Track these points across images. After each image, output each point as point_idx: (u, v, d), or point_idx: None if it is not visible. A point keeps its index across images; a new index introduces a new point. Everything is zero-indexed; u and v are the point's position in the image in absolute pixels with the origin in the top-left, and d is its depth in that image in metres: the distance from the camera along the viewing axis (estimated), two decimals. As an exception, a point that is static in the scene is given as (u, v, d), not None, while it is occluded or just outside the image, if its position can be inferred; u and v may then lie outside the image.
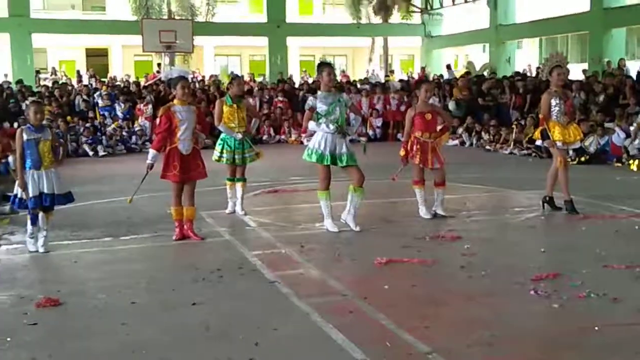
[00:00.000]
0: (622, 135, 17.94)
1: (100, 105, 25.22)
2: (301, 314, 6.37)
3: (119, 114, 24.80)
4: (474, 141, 23.46)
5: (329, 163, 9.55)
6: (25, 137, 8.66)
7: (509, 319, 6.14)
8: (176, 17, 39.87)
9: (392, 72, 39.94)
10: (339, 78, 31.95)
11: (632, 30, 33.13)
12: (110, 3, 47.20)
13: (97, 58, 47.51)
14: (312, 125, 9.70)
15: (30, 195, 8.65)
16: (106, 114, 24.78)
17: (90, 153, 21.93)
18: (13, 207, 9.54)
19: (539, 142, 11.54)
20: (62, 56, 47.04)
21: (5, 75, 32.72)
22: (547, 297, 6.68)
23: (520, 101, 24.88)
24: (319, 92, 9.83)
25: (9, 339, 5.81)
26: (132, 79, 34.46)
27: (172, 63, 32.14)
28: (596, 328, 5.82)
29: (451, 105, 26.07)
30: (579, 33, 34.34)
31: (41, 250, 8.83)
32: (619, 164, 17.20)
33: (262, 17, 38.64)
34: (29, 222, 8.94)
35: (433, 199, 10.71)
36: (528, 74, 30.38)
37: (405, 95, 26.76)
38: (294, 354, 5.44)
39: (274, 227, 10.29)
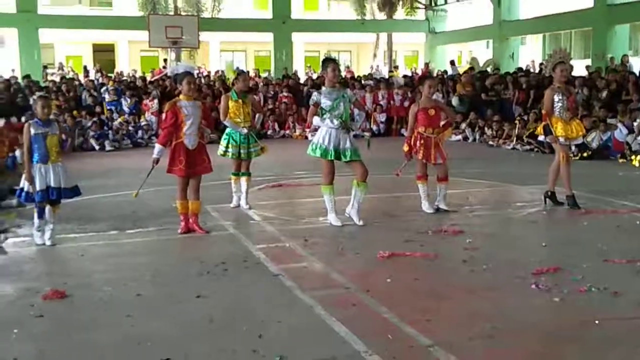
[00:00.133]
0: (625, 131, 17.96)
1: (106, 100, 25.30)
2: (305, 306, 6.42)
3: (125, 108, 24.87)
4: (477, 136, 23.50)
5: (333, 158, 9.61)
6: (32, 131, 8.72)
7: (510, 313, 6.18)
8: (182, 13, 39.88)
9: (396, 67, 39.99)
10: (343, 74, 31.94)
11: (636, 27, 33.07)
12: (117, -1, 47.31)
13: (104, 53, 47.55)
14: (316, 120, 9.76)
15: (38, 188, 8.72)
16: (113, 108, 24.85)
17: (97, 147, 22.03)
18: (20, 201, 9.58)
19: (541, 138, 11.55)
20: (69, 51, 47.06)
21: (13, 71, 32.79)
22: (548, 291, 6.71)
23: (523, 97, 24.90)
24: (323, 88, 9.88)
25: (15, 331, 5.86)
26: (139, 74, 34.49)
27: (178, 59, 32.25)
28: (597, 322, 5.86)
29: (454, 100, 26.07)
30: (582, 29, 34.31)
31: (48, 243, 8.89)
32: (623, 160, 17.22)
33: (267, 13, 38.65)
34: (35, 215, 9.00)
35: (436, 193, 10.76)
36: (531, 70, 30.41)
37: (409, 91, 26.77)
38: (298, 346, 5.47)
39: (278, 221, 10.34)
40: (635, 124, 18.04)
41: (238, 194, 11.32)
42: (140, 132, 23.73)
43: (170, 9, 41.39)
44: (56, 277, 7.55)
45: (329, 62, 9.94)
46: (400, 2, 42.22)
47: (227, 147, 11.07)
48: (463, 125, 24.05)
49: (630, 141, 17.63)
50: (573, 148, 14.43)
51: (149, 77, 31.47)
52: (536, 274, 7.25)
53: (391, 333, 5.67)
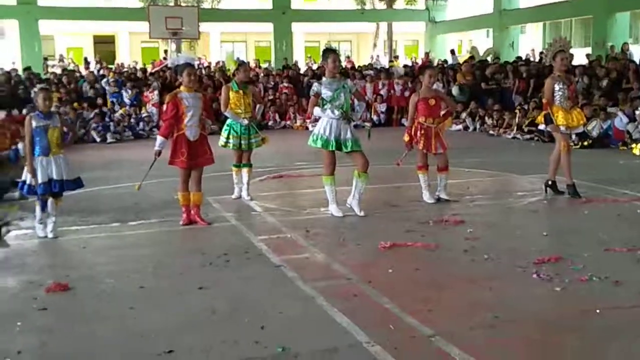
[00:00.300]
0: (625, 119, 17.95)
1: (108, 91, 25.30)
2: (306, 297, 6.44)
3: (126, 100, 24.85)
4: (478, 126, 23.49)
5: (333, 149, 9.63)
6: (34, 124, 8.74)
7: (511, 302, 6.20)
8: (182, 4, 39.77)
9: (396, 57, 39.93)
10: (343, 64, 31.92)
11: (636, 14, 33.05)
12: (117, -10, 47.25)
13: (105, 45, 47.55)
14: (317, 111, 9.77)
15: (40, 181, 8.74)
16: (114, 100, 24.85)
17: (98, 139, 22.01)
18: (22, 193, 9.61)
19: (542, 127, 11.55)
20: (69, 43, 47.07)
21: (13, 63, 32.78)
22: (549, 281, 6.74)
23: (524, 86, 24.87)
24: (323, 79, 9.89)
25: (19, 324, 5.89)
26: (139, 65, 34.49)
27: (178, 49, 32.21)
28: (598, 311, 5.88)
29: (455, 90, 26.04)
30: (582, 17, 34.27)
31: (50, 235, 8.92)
32: (624, 147, 17.23)
33: (267, 4, 38.56)
34: (37, 208, 9.04)
35: (437, 183, 10.78)
36: (531, 59, 30.38)
37: (409, 81, 26.75)
38: (299, 336, 5.50)
39: (279, 212, 10.36)
40: (637, 112, 18.02)
41: (239, 185, 11.34)
42: (141, 124, 23.70)
43: (170, 0, 41.33)
44: (59, 269, 7.58)
45: (330, 52, 9.92)
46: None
47: (227, 138, 11.08)
48: (463, 115, 24.04)
49: (631, 130, 17.63)
50: (573, 137, 14.45)
51: (149, 69, 31.45)
52: (537, 263, 7.28)
53: (393, 323, 5.69)
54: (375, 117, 25.25)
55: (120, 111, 23.84)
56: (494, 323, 5.67)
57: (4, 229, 9.41)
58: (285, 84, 27.50)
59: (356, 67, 33.53)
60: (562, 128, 10.75)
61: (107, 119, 23.05)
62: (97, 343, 5.50)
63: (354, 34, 51.66)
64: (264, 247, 8.29)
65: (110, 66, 33.17)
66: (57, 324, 5.98)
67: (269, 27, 37.87)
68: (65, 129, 9.23)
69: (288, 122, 25.60)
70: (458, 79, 26.91)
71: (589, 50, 30.01)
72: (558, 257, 7.47)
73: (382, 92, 26.32)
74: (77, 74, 28.73)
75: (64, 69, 30.86)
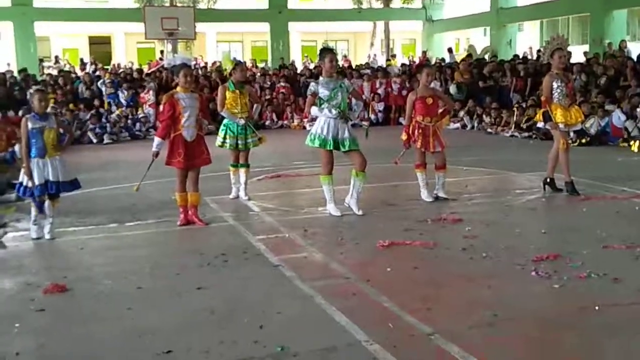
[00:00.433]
0: (622, 117, 17.95)
1: (105, 92, 25.27)
2: (305, 296, 6.43)
3: (123, 101, 24.83)
4: (475, 124, 23.49)
5: (331, 148, 9.61)
6: (30, 125, 8.70)
7: (510, 300, 6.19)
8: (178, 4, 39.72)
9: (393, 56, 39.93)
10: (340, 63, 31.93)
11: (633, 12, 33.09)
12: (113, -10, 47.22)
13: (100, 46, 47.55)
14: (314, 110, 9.76)
15: (36, 183, 8.71)
16: (111, 101, 24.82)
17: (95, 140, 21.99)
18: (19, 195, 9.58)
19: (540, 124, 11.56)
20: (65, 44, 47.03)
21: (9, 64, 32.70)
22: (547, 278, 6.73)
23: (521, 84, 24.91)
24: (321, 78, 9.87)
25: (17, 325, 5.87)
26: (135, 66, 34.46)
27: (174, 50, 32.21)
28: (597, 308, 5.88)
29: (452, 88, 26.08)
30: (580, 15, 34.29)
31: (47, 237, 8.90)
32: (625, 144, 17.22)
33: (263, 3, 38.54)
34: (32, 209, 9.01)
35: (435, 182, 10.76)
36: (529, 57, 30.39)
37: (407, 80, 26.76)
38: (298, 336, 5.48)
39: (277, 212, 10.35)
40: (638, 110, 18.00)
41: (237, 185, 11.33)
42: (138, 125, 23.69)
43: (166, 1, 41.28)
44: (56, 270, 7.55)
45: (327, 52, 9.91)
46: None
47: (224, 138, 11.06)
48: (461, 113, 24.05)
49: (629, 127, 17.62)
50: (571, 134, 14.44)
51: (145, 69, 31.42)
52: (536, 261, 7.27)
53: (391, 322, 5.68)
54: (372, 116, 25.29)
55: (117, 112, 23.83)
56: (493, 321, 5.66)
57: (0, 231, 9.44)
58: (283, 84, 27.52)
59: (353, 66, 33.54)
60: (561, 125, 10.74)
61: (103, 120, 23.03)
62: (95, 344, 5.48)
63: (351, 33, 51.68)
64: (262, 246, 8.27)
65: (106, 67, 33.11)
66: (55, 325, 5.96)
67: (265, 26, 37.86)
68: (61, 130, 9.21)
69: (285, 122, 25.61)
70: (456, 77, 26.94)
71: (586, 47, 30.04)
72: (557, 254, 7.45)
73: (379, 91, 26.36)
74: (73, 75, 28.71)
75: (60, 70, 30.79)
